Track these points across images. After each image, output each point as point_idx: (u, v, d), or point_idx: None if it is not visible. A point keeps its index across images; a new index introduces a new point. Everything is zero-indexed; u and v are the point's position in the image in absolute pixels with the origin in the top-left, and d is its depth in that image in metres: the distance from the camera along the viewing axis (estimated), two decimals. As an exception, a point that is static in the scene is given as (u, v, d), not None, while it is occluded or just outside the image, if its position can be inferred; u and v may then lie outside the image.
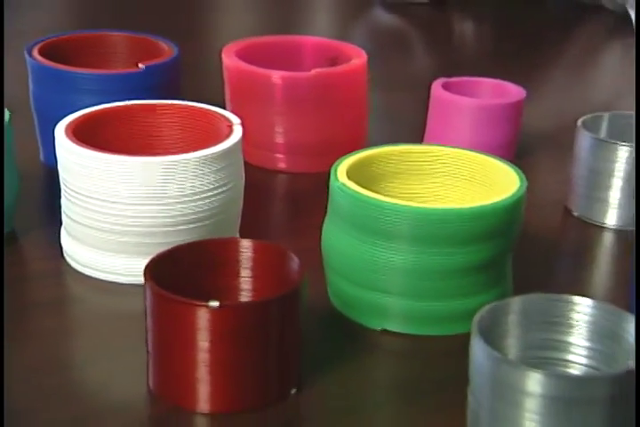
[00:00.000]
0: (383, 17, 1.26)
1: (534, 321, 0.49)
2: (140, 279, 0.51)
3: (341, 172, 0.58)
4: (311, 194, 0.65)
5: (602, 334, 0.49)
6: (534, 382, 0.43)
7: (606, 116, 0.74)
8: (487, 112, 0.77)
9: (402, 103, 0.95)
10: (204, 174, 0.60)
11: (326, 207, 0.59)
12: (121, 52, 0.83)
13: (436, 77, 0.80)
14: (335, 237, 0.58)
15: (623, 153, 0.69)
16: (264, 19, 1.28)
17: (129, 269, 0.62)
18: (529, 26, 1.24)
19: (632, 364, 0.44)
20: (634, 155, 0.69)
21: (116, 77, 0.74)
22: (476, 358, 0.46)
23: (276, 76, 0.76)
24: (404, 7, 1.23)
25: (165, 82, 0.76)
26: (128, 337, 0.56)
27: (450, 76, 0.82)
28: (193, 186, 0.60)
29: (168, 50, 0.79)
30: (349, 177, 0.58)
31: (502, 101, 0.78)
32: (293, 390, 0.52)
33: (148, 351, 0.52)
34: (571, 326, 0.49)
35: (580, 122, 0.72)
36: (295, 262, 0.52)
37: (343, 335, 0.58)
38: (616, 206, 0.71)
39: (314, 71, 0.77)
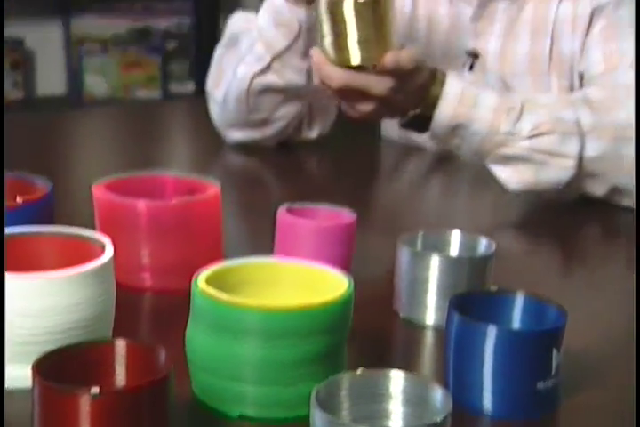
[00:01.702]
0: (234, 158, 1.41)
1: (361, 393, 0.61)
2: (25, 384, 0.59)
3: (202, 280, 0.69)
4: (176, 308, 0.75)
5: (413, 402, 0.60)
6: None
7: (420, 233, 0.89)
8: (322, 233, 0.91)
9: (255, 229, 1.08)
10: (80, 288, 0.70)
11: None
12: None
13: (283, 203, 0.94)
14: (195, 334, 0.69)
15: (435, 262, 0.83)
16: (125, 160, 1.41)
17: (13, 375, 0.69)
18: (364, 163, 1.42)
19: (436, 419, 0.56)
20: (445, 262, 0.83)
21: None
22: (315, 423, 0.57)
23: (141, 204, 0.88)
24: (252, 149, 1.39)
25: (40, 216, 0.86)
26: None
27: (294, 202, 0.95)
28: (62, 299, 0.69)
29: (42, 187, 0.90)
30: (209, 284, 0.69)
31: (335, 223, 0.92)
32: (164, 467, 0.60)
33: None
34: (390, 397, 0.61)
35: (399, 239, 0.86)
36: (163, 355, 0.62)
37: (205, 422, 0.68)
38: (433, 308, 0.85)
39: (174, 201, 0.89)
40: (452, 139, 1.13)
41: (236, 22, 1.34)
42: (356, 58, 1.05)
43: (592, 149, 1.11)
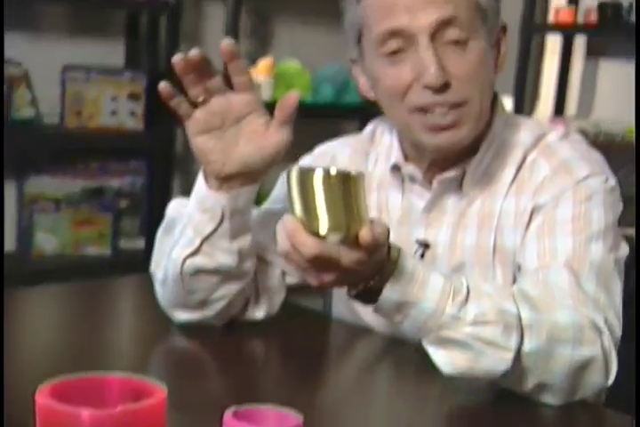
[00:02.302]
0: (180, 341, 1.41)
1: None
2: None
3: None
4: None
5: None
6: None
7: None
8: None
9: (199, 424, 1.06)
10: None
11: None
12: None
13: (228, 400, 0.93)
14: None
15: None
16: (73, 345, 1.39)
17: None
18: (312, 346, 1.41)
19: None
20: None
21: None
22: None
23: (85, 414, 0.86)
24: (199, 331, 1.38)
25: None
26: None
27: (240, 404, 0.95)
28: None
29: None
30: None
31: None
32: None
33: None
34: None
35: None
36: None
37: None
38: None
39: (119, 408, 0.88)
40: (396, 315, 1.14)
41: (173, 208, 1.39)
42: (324, 227, 1.06)
43: (528, 345, 1.14)
